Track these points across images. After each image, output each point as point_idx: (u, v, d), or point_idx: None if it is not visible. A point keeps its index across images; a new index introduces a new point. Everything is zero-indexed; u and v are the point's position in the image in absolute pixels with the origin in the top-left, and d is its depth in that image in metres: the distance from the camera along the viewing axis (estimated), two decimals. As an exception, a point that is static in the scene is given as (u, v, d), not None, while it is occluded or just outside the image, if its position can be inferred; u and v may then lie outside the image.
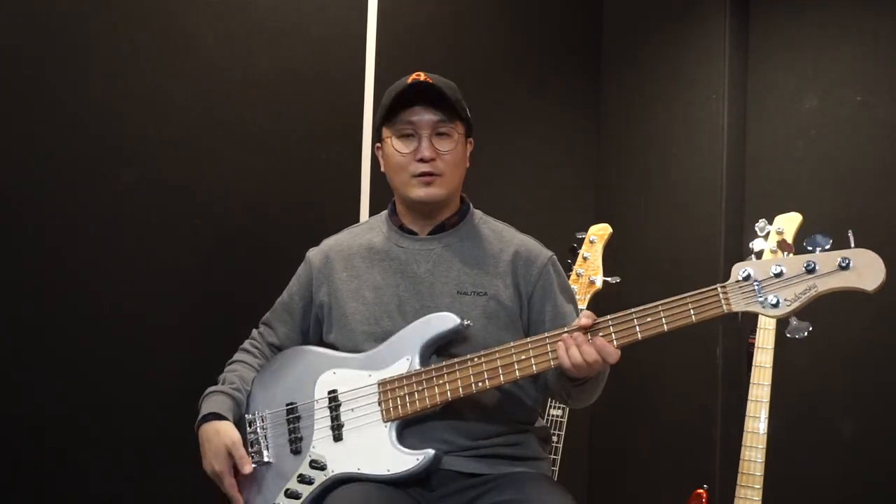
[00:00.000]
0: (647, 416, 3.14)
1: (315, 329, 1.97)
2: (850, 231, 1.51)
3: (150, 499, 2.50)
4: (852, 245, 1.50)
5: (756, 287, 1.54)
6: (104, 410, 2.45)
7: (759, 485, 2.00)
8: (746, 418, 2.04)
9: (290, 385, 1.87)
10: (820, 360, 2.62)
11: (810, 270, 1.51)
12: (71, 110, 2.43)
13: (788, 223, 2.02)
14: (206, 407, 1.85)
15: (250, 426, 1.85)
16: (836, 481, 2.58)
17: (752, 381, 2.05)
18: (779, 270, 1.53)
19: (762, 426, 2.01)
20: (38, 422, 2.37)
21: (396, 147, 1.84)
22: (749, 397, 2.04)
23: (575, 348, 1.63)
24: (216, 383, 1.92)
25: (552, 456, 2.28)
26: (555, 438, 2.32)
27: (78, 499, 2.42)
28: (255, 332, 2.05)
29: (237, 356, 2.00)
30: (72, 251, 2.42)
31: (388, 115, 1.85)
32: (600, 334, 1.64)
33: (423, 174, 1.82)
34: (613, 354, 1.63)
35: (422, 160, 1.81)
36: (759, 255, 1.98)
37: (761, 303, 1.54)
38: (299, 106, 2.75)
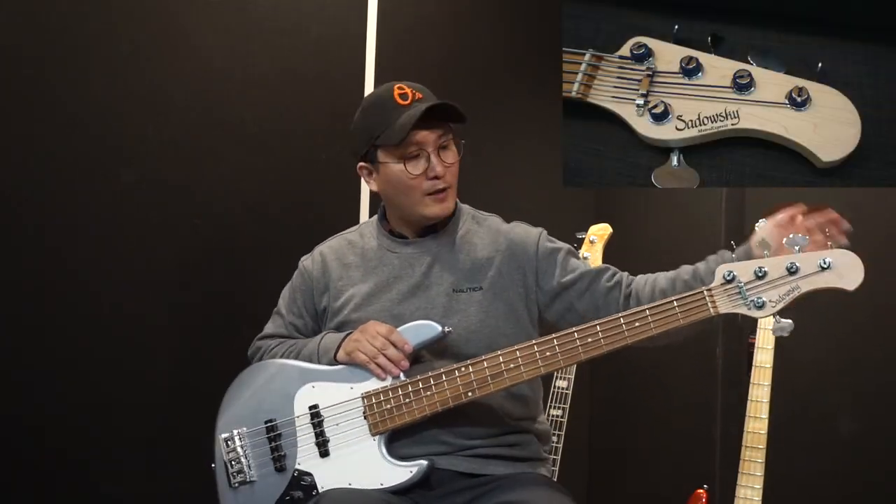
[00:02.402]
0: (647, 416, 3.14)
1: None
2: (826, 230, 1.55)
3: (150, 499, 2.50)
4: (829, 245, 1.54)
5: (741, 289, 1.57)
6: (104, 410, 2.45)
7: (759, 485, 2.00)
8: (746, 418, 2.04)
9: (266, 401, 1.80)
10: (820, 359, 2.61)
11: (792, 272, 1.54)
12: (71, 110, 2.43)
13: (788, 223, 2.01)
14: (331, 337, 1.81)
15: (228, 444, 1.80)
16: (836, 481, 2.58)
17: (752, 380, 2.05)
18: (762, 272, 1.56)
19: (762, 426, 2.01)
20: (38, 422, 2.38)
21: (409, 170, 1.79)
22: (749, 397, 2.04)
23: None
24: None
25: (552, 456, 2.29)
26: (554, 438, 2.32)
27: (78, 499, 2.42)
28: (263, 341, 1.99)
29: (264, 343, 1.95)
30: (72, 251, 2.42)
31: (389, 142, 1.77)
32: (589, 339, 1.63)
33: (437, 191, 1.80)
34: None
35: (435, 177, 1.78)
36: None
37: (746, 304, 1.56)
38: (299, 106, 2.76)
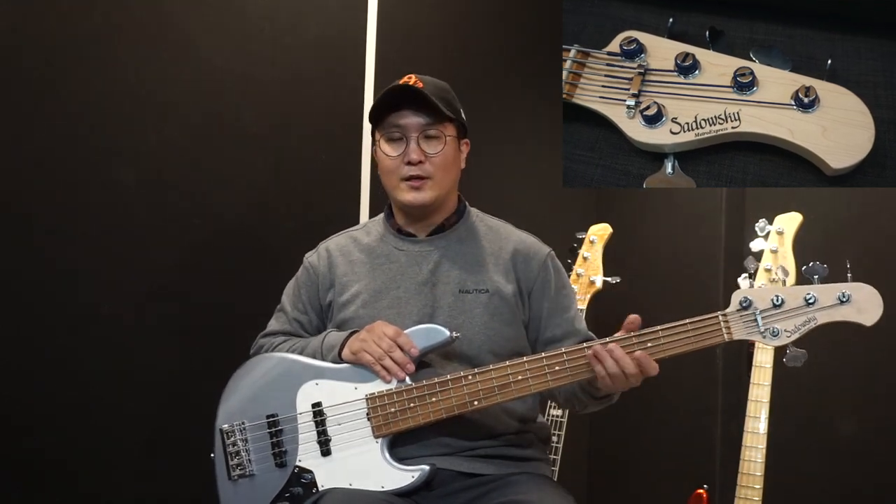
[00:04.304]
0: (647, 417, 3.14)
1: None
2: (847, 262, 1.54)
3: (151, 493, 2.50)
4: (849, 277, 1.53)
5: (757, 316, 1.57)
6: (102, 411, 2.45)
7: (759, 485, 1.99)
8: (746, 418, 2.03)
9: (268, 395, 1.80)
10: (820, 359, 2.61)
11: (810, 303, 1.54)
12: (71, 110, 2.43)
13: (788, 223, 2.01)
14: (335, 335, 1.81)
15: (228, 437, 1.79)
16: (836, 481, 2.58)
17: (752, 381, 2.05)
18: (779, 301, 1.55)
19: (762, 426, 2.01)
20: (37, 421, 2.38)
21: (384, 150, 1.83)
22: (749, 397, 2.04)
23: (611, 360, 1.61)
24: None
25: (552, 456, 2.29)
26: (555, 438, 2.32)
27: (78, 496, 2.42)
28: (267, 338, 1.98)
29: (268, 340, 1.94)
30: (71, 251, 2.43)
31: (377, 119, 1.85)
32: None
33: (411, 177, 1.82)
34: (655, 367, 1.61)
35: (409, 163, 1.81)
36: (759, 255, 1.98)
37: (762, 332, 1.57)
38: (299, 106, 2.75)
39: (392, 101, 1.82)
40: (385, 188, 1.89)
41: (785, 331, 1.55)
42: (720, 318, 1.58)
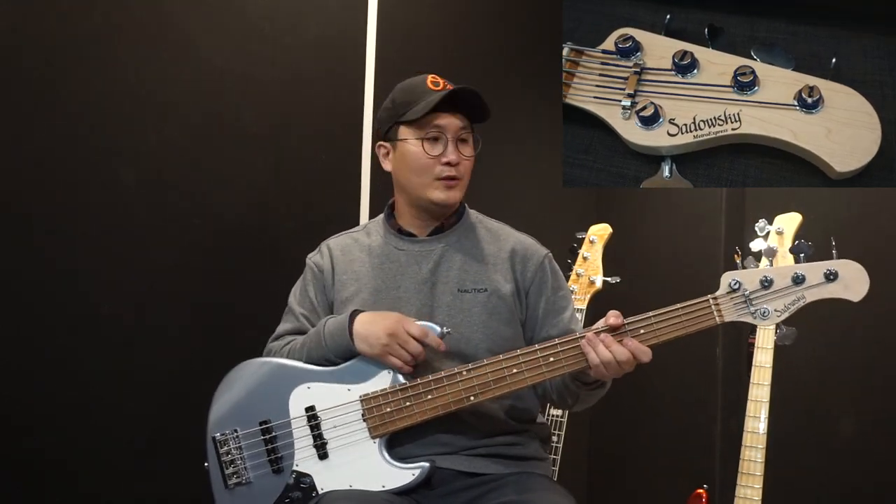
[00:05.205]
0: (647, 416, 3.14)
1: None
2: (832, 239, 1.55)
3: (148, 498, 2.50)
4: (834, 255, 1.54)
5: (746, 298, 1.57)
6: (102, 411, 2.45)
7: (759, 485, 1.99)
8: (746, 418, 2.03)
9: (260, 401, 1.79)
10: (820, 359, 2.62)
11: (798, 282, 1.55)
12: (71, 110, 2.43)
13: (788, 223, 2.01)
14: (337, 320, 1.78)
15: (222, 446, 1.79)
16: (836, 481, 2.58)
17: (751, 380, 2.05)
18: (768, 281, 1.56)
19: (762, 426, 2.01)
20: (36, 422, 2.38)
21: (424, 149, 1.82)
22: (749, 397, 2.04)
23: (603, 347, 1.62)
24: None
25: (552, 456, 2.29)
26: (554, 438, 2.32)
27: (76, 499, 2.42)
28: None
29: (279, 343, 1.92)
30: (71, 251, 2.43)
31: (412, 117, 1.82)
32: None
33: (447, 178, 1.82)
34: (647, 353, 1.61)
35: (448, 164, 1.81)
36: (758, 255, 1.98)
37: (752, 313, 1.57)
38: (299, 107, 2.75)
39: (440, 104, 1.79)
40: (407, 186, 1.87)
41: (775, 311, 1.56)
42: (710, 301, 1.59)
